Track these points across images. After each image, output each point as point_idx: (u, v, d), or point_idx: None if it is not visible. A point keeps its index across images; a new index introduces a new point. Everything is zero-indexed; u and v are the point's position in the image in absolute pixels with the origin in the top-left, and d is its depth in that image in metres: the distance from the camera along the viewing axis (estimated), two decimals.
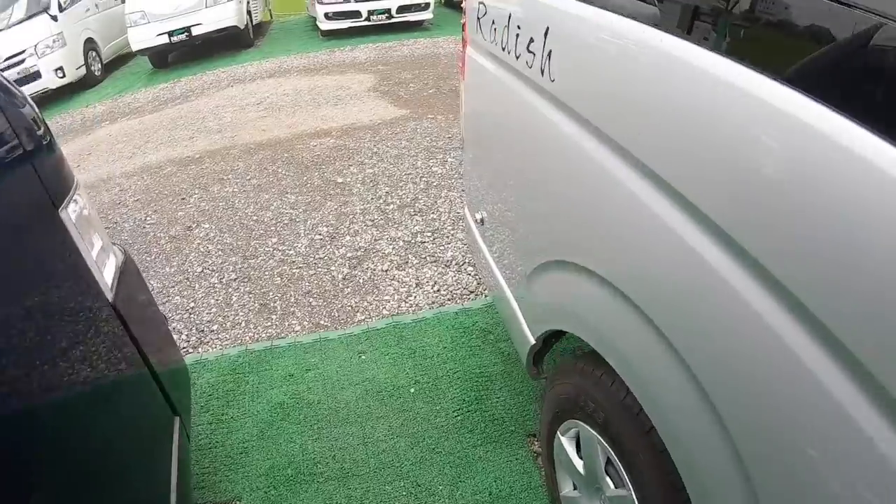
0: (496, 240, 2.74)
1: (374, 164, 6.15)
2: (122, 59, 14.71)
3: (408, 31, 13.10)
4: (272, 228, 5.25)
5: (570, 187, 1.79)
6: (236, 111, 8.72)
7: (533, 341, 2.30)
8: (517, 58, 2.05)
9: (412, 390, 3.38)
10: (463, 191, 3.99)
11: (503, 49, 2.20)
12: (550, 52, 1.79)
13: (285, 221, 5.32)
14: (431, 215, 5.12)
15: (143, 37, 12.50)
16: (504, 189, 2.51)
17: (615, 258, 1.59)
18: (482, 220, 2.89)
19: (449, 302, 4.14)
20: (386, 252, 4.71)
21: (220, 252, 5.04)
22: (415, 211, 5.21)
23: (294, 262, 4.76)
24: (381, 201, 5.43)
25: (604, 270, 1.62)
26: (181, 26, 12.61)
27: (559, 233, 1.94)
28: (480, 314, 3.95)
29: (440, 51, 11.08)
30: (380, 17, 12.95)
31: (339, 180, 5.91)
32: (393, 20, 13.07)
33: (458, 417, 3.12)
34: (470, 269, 4.43)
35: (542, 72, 1.84)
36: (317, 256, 4.79)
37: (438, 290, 4.26)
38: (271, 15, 17.34)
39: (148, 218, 5.85)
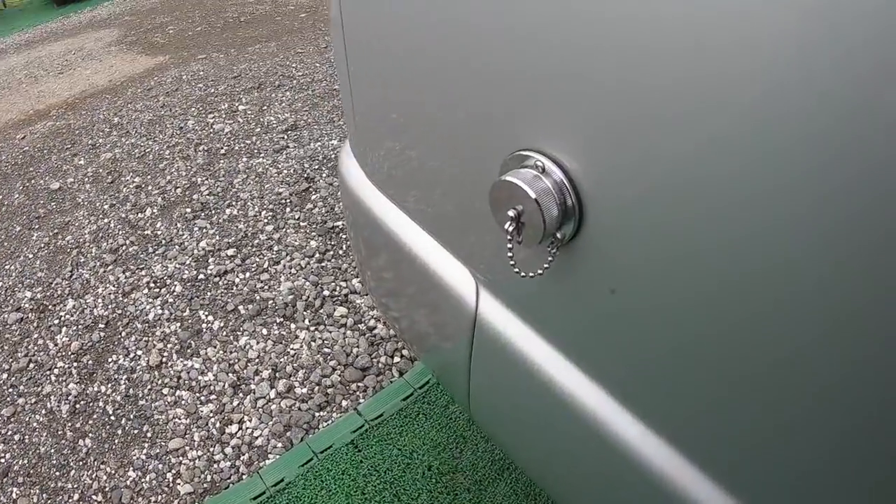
0: None
1: (113, 144, 3.36)
2: None
3: None
4: None
5: None
6: None
7: None
8: None
9: None
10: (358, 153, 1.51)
11: None
12: None
13: None
14: (229, 210, 2.52)
15: None
16: None
17: None
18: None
19: (322, 412, 1.69)
20: (149, 318, 2.11)
21: None
22: (194, 210, 2.58)
23: None
24: (130, 205, 2.73)
25: None
26: None
27: None
28: (414, 435, 1.54)
29: None
30: None
31: (55, 186, 3.10)
32: None
33: None
34: (339, 308, 1.95)
35: None
36: (15, 366, 2.11)
37: (290, 390, 1.77)
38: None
39: None
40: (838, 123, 0.39)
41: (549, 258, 0.62)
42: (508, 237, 0.61)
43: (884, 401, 0.44)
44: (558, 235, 0.60)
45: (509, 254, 0.63)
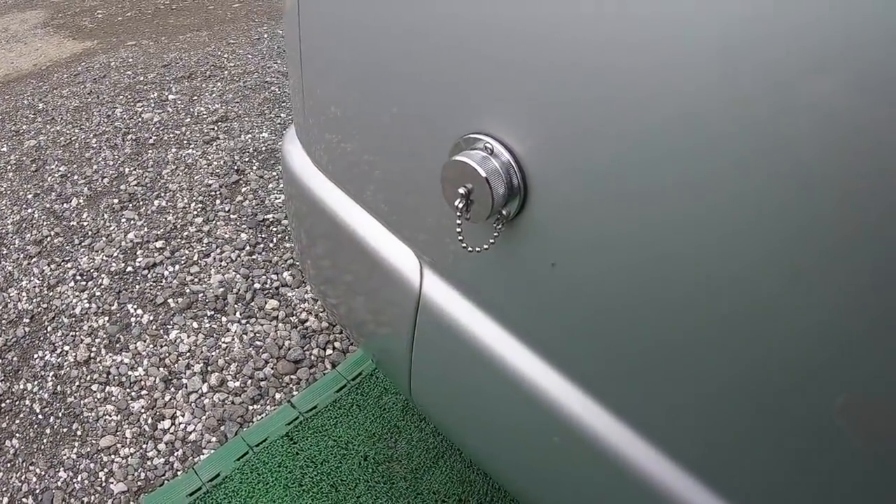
0: None
1: (38, 131, 3.16)
2: None
3: None
4: None
5: None
6: None
7: None
8: None
9: None
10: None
11: None
12: None
13: None
14: (158, 201, 2.42)
15: None
16: None
17: None
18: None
19: (256, 406, 1.65)
20: (76, 312, 2.00)
21: None
22: (122, 201, 2.46)
23: None
24: (55, 195, 2.57)
25: None
26: None
27: None
28: (348, 426, 1.51)
29: None
30: None
31: None
32: None
33: None
34: (271, 300, 1.90)
35: None
36: None
37: (223, 384, 1.72)
38: None
39: None
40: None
41: (495, 234, 0.64)
42: (458, 213, 0.63)
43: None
44: (504, 212, 0.63)
45: (458, 229, 0.65)
